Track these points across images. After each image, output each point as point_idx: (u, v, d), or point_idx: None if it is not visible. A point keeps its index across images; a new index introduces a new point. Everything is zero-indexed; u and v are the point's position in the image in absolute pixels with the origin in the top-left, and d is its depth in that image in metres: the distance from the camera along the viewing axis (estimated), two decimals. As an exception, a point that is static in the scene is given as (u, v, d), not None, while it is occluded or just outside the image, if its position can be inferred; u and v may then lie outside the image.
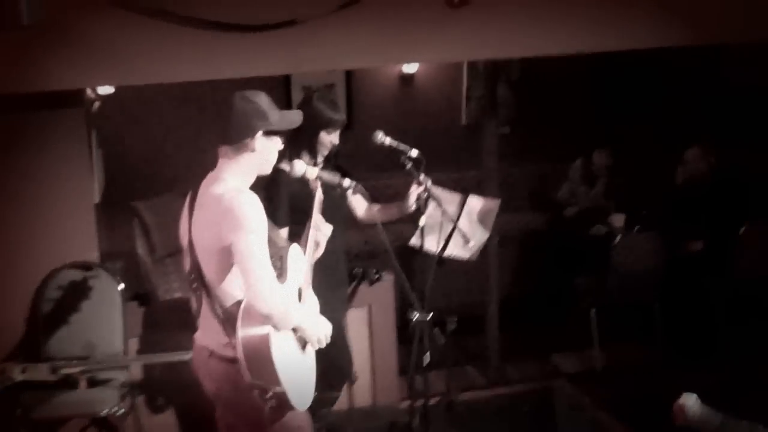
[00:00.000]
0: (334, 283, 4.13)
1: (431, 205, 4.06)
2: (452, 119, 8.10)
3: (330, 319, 3.38)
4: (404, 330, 4.50)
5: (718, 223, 5.83)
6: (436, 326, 3.61)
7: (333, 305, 3.85)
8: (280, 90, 7.28)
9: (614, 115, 7.62)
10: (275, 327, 3.00)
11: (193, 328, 3.29)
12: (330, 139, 4.01)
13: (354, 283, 4.76)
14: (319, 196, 3.47)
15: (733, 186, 5.97)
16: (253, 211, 2.97)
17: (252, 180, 3.17)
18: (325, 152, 4.06)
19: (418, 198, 3.98)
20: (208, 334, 3.15)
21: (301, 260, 3.33)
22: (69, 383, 4.18)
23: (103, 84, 4.99)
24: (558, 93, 7.97)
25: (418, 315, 3.56)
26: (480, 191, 4.71)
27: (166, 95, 6.97)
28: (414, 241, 4.11)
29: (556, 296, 6.32)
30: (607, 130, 7.30)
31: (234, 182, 3.08)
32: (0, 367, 4.16)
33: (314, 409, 3.35)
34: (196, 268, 3.09)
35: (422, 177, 3.93)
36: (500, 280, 5.76)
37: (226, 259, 3.00)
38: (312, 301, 3.41)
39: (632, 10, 4.45)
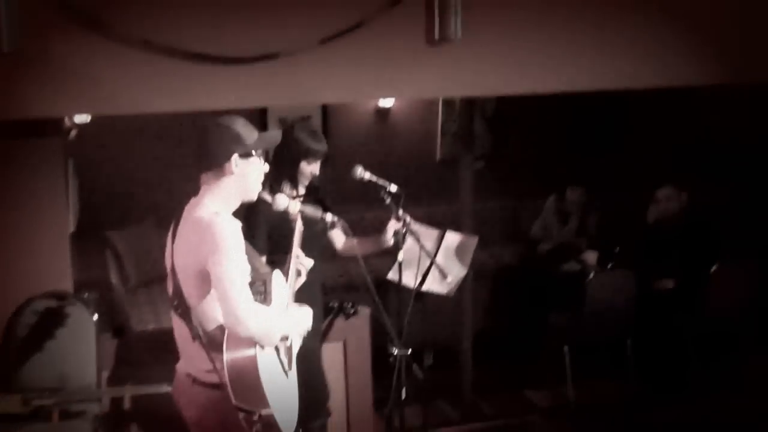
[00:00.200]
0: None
1: (409, 240, 4.08)
2: (427, 154, 8.15)
3: (306, 352, 3.38)
4: (380, 364, 4.51)
5: (690, 262, 5.90)
6: (414, 361, 3.62)
7: (309, 338, 3.83)
8: (257, 122, 7.27)
9: (587, 153, 7.71)
10: (261, 344, 3.00)
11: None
12: (311, 169, 4.03)
13: (330, 317, 4.74)
14: (299, 228, 3.48)
15: (704, 225, 6.05)
16: (230, 234, 2.98)
17: (235, 206, 3.18)
18: (306, 182, 4.07)
19: (396, 233, 4.00)
20: (190, 361, 3.15)
21: (284, 287, 3.34)
22: (41, 415, 4.11)
23: (81, 113, 4.98)
24: (532, 130, 8.07)
25: (398, 350, 3.57)
26: (454, 226, 4.74)
27: (142, 125, 6.97)
28: (391, 275, 4.13)
29: (529, 332, 6.34)
30: (580, 167, 7.37)
31: (215, 206, 3.08)
32: (-30, 398, 4.10)
33: None
34: (178, 292, 3.09)
35: (401, 212, 3.95)
36: (474, 315, 5.76)
37: (206, 281, 3.00)
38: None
39: (607, 50, 4.53)
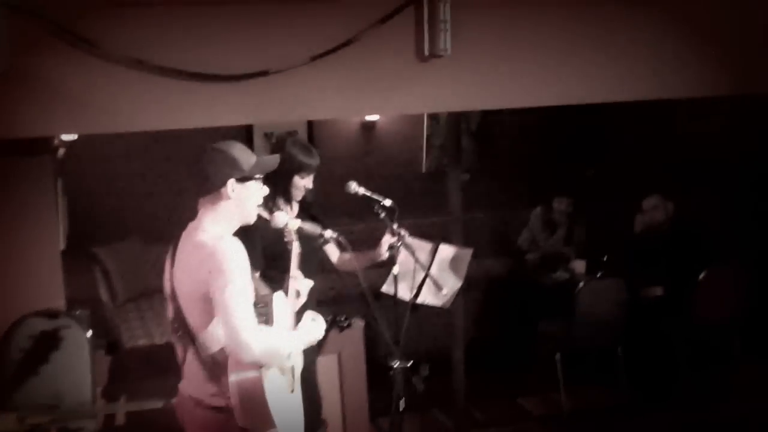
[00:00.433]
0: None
1: (403, 253, 4.10)
2: (413, 166, 8.19)
3: (305, 365, 3.39)
4: (376, 376, 4.51)
5: (678, 269, 5.96)
6: (413, 373, 3.64)
7: (307, 352, 3.85)
8: (242, 137, 7.30)
9: (573, 164, 7.77)
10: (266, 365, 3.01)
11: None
12: (304, 183, 4.06)
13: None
14: (296, 250, 3.49)
15: (690, 233, 6.12)
16: (235, 257, 2.97)
17: (234, 228, 3.17)
18: (299, 196, 4.09)
19: (391, 246, 4.02)
20: (193, 383, 3.13)
21: (286, 307, 3.35)
22: (37, 434, 4.11)
23: (72, 132, 4.97)
24: (518, 141, 8.12)
25: (398, 363, 3.59)
26: (441, 237, 4.76)
27: (130, 142, 6.98)
28: (386, 288, 4.15)
29: (521, 341, 6.38)
30: (566, 178, 7.43)
31: (215, 230, 3.08)
32: (-36, 418, 4.08)
33: None
34: (179, 316, 3.09)
35: (395, 226, 3.98)
36: (465, 325, 5.79)
37: (209, 305, 2.99)
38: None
39: (598, 64, 4.58)
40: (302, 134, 7.65)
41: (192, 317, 3.07)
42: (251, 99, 4.12)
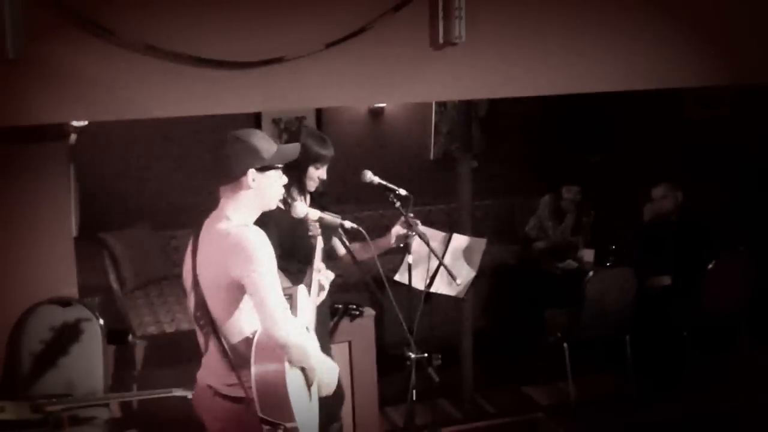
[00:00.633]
0: (318, 318, 4.13)
1: (416, 242, 4.10)
2: (421, 153, 8.18)
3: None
4: (386, 365, 4.51)
5: (686, 259, 5.97)
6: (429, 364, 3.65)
7: (318, 341, 3.86)
8: (251, 123, 7.28)
9: (582, 152, 7.75)
10: (290, 361, 2.99)
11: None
12: (318, 174, 4.05)
13: (335, 319, 4.76)
14: (320, 243, 3.49)
15: (699, 222, 6.12)
16: (262, 244, 2.97)
17: (255, 216, 3.16)
18: (313, 187, 4.09)
19: (404, 235, 4.02)
20: (213, 373, 3.12)
21: (308, 301, 3.35)
22: (51, 422, 4.09)
23: (85, 119, 4.97)
24: (526, 129, 8.10)
25: (414, 354, 3.59)
26: (449, 225, 4.76)
27: (142, 128, 6.96)
28: (398, 277, 4.15)
29: (529, 330, 6.38)
30: (575, 166, 7.42)
31: (238, 219, 3.07)
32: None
33: None
34: (203, 305, 3.07)
35: (410, 215, 3.98)
36: (473, 314, 5.81)
37: (234, 294, 2.99)
38: (315, 344, 3.41)
39: (612, 51, 4.58)
40: (310, 120, 7.64)
41: (215, 307, 3.06)
42: (265, 86, 4.13)
